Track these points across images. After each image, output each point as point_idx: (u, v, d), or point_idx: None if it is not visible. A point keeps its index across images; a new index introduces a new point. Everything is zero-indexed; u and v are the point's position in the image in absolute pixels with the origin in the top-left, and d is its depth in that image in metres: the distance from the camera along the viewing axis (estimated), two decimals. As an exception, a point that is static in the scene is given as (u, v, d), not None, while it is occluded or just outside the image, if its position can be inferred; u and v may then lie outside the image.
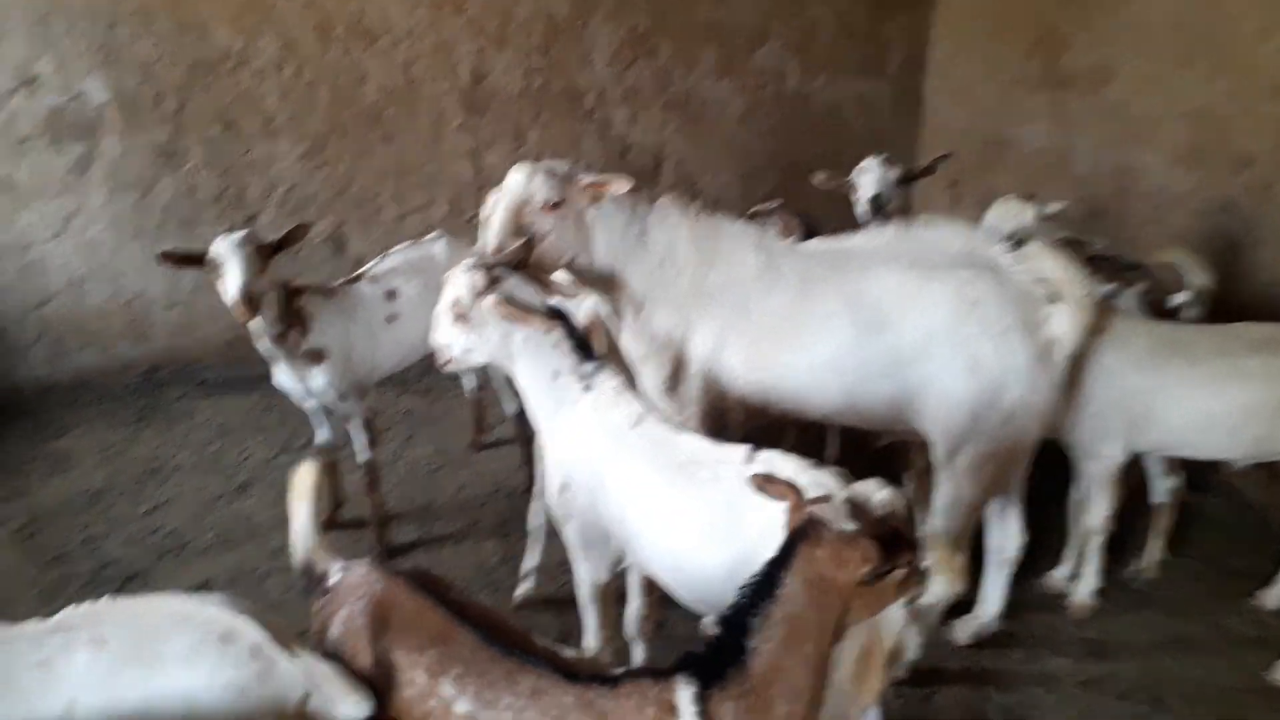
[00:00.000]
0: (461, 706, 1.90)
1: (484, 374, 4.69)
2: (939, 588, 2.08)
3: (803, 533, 1.89)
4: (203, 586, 3.95)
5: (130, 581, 4.04)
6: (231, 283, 3.53)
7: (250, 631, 2.03)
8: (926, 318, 3.04)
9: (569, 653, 2.04)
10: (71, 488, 4.75)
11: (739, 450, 2.52)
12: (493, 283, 2.78)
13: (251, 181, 5.63)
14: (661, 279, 3.22)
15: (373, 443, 4.11)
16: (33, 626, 2.05)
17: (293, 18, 5.36)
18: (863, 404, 3.17)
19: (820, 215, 4.52)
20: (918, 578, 1.95)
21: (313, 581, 2.28)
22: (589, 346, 2.84)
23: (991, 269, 3.08)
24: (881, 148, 6.33)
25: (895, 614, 2.12)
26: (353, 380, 3.98)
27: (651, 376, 3.34)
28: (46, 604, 2.80)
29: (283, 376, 3.92)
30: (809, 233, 4.16)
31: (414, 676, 1.96)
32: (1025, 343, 2.98)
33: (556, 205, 3.06)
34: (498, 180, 5.65)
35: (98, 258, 5.54)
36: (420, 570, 2.23)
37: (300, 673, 2.02)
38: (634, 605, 3.16)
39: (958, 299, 3.02)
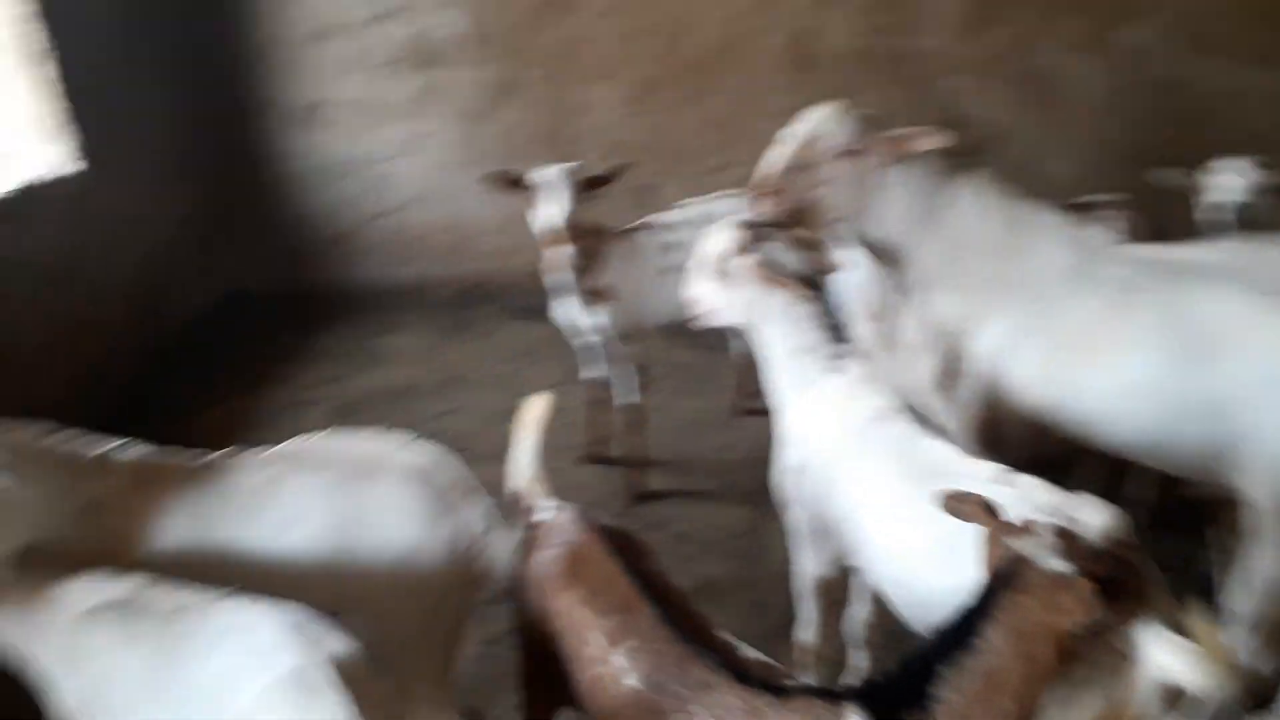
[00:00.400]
0: (630, 680, 1.83)
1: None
2: (1199, 678, 1.70)
3: (1008, 576, 1.63)
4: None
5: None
6: (555, 210, 3.69)
7: (446, 472, 2.45)
8: (1268, 354, 2.53)
9: (749, 651, 1.90)
10: (381, 382, 5.26)
11: (991, 467, 2.23)
12: (754, 242, 2.65)
13: (576, 122, 5.84)
14: (954, 262, 2.90)
15: (642, 386, 4.15)
16: (261, 452, 2.44)
17: (633, -38, 5.46)
18: (1167, 444, 2.70)
19: (1173, 219, 3.92)
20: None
21: (518, 513, 2.32)
22: (841, 328, 2.64)
23: None
24: (1270, 153, 5.50)
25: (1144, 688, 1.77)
26: (629, 323, 4.03)
27: (925, 370, 3.06)
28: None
29: (565, 310, 4.04)
30: (1156, 238, 3.60)
31: (591, 637, 1.91)
32: None
33: (853, 154, 2.82)
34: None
35: (433, 179, 6.02)
36: (623, 531, 2.17)
37: (480, 517, 2.39)
38: (859, 607, 2.95)
39: None
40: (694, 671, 1.77)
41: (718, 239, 2.67)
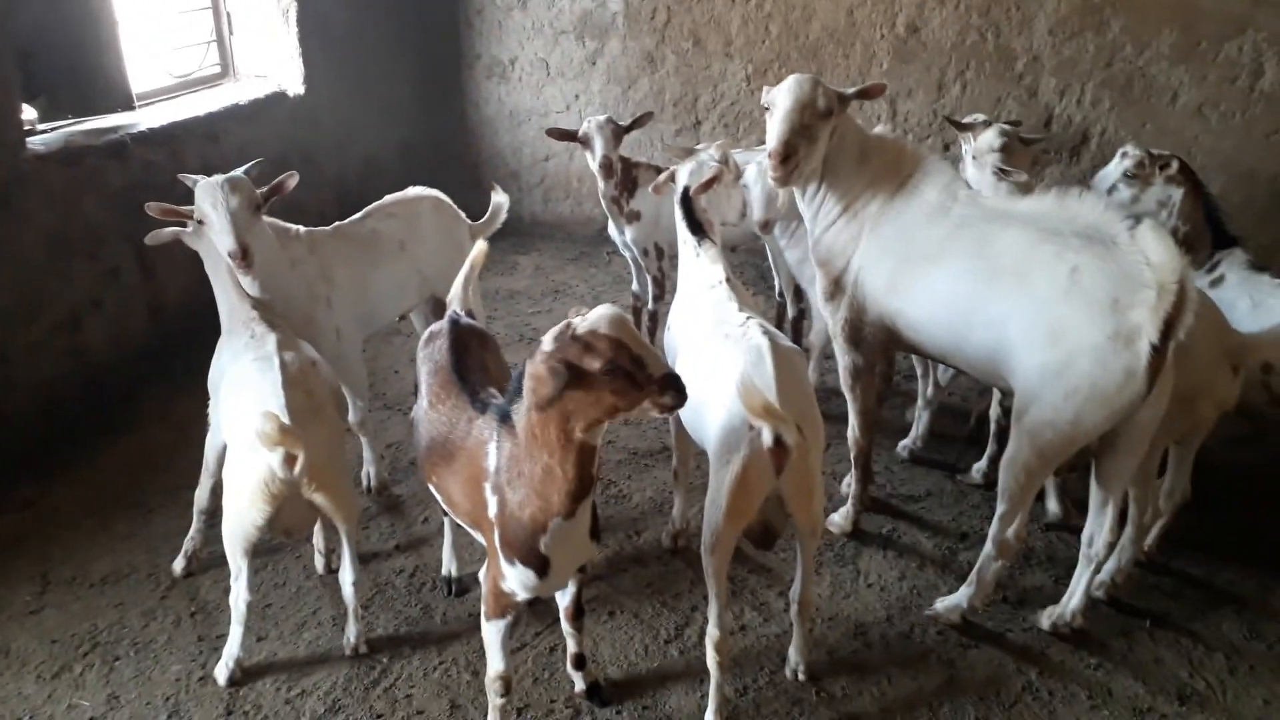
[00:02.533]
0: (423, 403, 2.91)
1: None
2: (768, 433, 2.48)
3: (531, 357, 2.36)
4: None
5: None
6: (597, 151, 4.76)
7: None
8: (1025, 277, 3.12)
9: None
10: (501, 286, 6.59)
11: (742, 318, 3.04)
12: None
13: (704, 93, 6.80)
14: (860, 197, 3.61)
15: (658, 298, 5.10)
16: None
17: (764, -43, 6.32)
18: (968, 349, 3.34)
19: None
20: (642, 388, 2.23)
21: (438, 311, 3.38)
22: (698, 225, 3.50)
23: (1106, 242, 3.02)
24: None
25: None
26: (654, 239, 5.00)
27: (820, 281, 3.80)
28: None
29: (612, 229, 5.10)
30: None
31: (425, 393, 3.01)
32: (1108, 319, 2.91)
33: (828, 114, 3.49)
34: (909, 126, 6.14)
35: (588, 131, 7.20)
36: (470, 327, 3.15)
37: None
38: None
39: (1057, 262, 3.05)
40: (456, 399, 2.79)
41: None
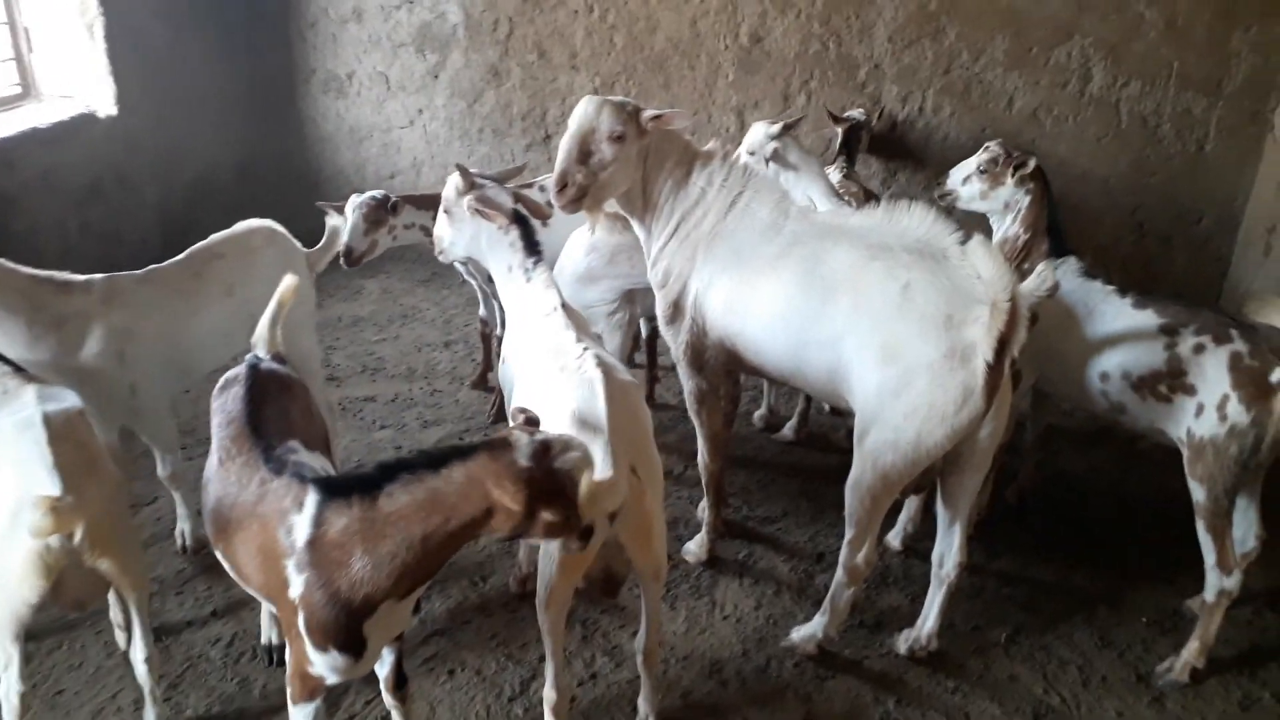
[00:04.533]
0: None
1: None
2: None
3: (496, 444, 2.15)
4: (369, 400, 5.09)
5: (331, 381, 5.29)
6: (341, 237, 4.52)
7: None
8: (858, 294, 3.03)
9: (306, 456, 2.55)
10: (345, 311, 6.23)
11: (579, 349, 2.84)
12: (471, 186, 3.33)
13: (552, 107, 6.60)
14: (690, 217, 3.47)
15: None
16: None
17: (606, -33, 6.16)
18: (807, 369, 3.25)
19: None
20: (569, 533, 2.14)
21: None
22: (537, 246, 3.29)
23: (936, 257, 2.96)
24: (1198, 177, 5.67)
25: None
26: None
27: (659, 305, 3.64)
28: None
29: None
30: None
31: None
32: (943, 337, 2.84)
33: (620, 138, 3.35)
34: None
35: (433, 148, 6.91)
36: (273, 372, 2.86)
37: None
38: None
39: (888, 279, 2.98)
40: (248, 457, 2.49)
41: (447, 185, 3.38)
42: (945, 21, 5.86)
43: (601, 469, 2.39)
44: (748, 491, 4.44)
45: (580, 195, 3.37)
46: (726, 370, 3.58)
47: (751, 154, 4.51)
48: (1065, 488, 4.54)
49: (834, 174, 5.26)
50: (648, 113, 3.41)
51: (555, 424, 2.68)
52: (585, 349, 2.82)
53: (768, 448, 4.81)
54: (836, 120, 5.67)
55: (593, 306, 4.29)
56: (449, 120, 6.82)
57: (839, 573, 3.30)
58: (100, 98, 5.86)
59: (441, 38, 6.61)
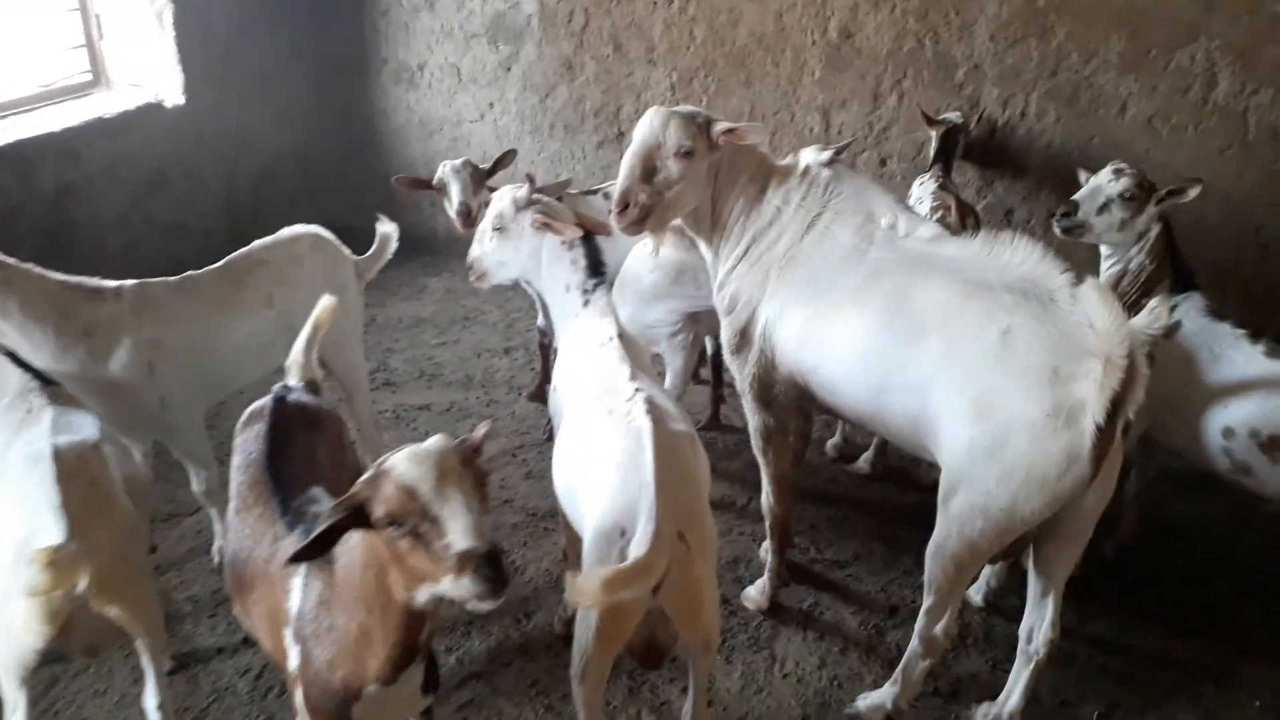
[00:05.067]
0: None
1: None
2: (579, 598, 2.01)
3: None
4: (423, 409, 4.90)
5: (387, 387, 5.12)
6: (454, 197, 4.34)
7: None
8: (950, 337, 2.68)
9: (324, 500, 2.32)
10: (406, 312, 6.10)
11: (630, 387, 2.57)
12: (533, 201, 3.07)
13: (626, 102, 6.30)
14: (762, 239, 3.18)
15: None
16: None
17: (689, -44, 5.83)
18: (888, 414, 2.90)
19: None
20: (425, 563, 1.77)
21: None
22: (601, 267, 3.02)
23: (1043, 299, 2.59)
24: None
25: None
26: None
27: (724, 332, 3.35)
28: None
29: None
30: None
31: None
32: (1046, 393, 2.48)
33: (688, 153, 3.08)
34: (844, 139, 5.74)
35: (504, 143, 6.66)
36: (300, 405, 2.64)
37: None
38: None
39: (987, 323, 2.62)
40: (265, 508, 2.27)
41: (502, 199, 3.11)
42: (1054, 19, 5.38)
43: (640, 541, 2.12)
44: (816, 530, 4.11)
45: (644, 216, 3.11)
46: (798, 407, 3.26)
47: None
48: (1172, 541, 4.09)
49: (929, 183, 4.87)
50: (720, 125, 3.11)
51: (599, 474, 2.42)
52: (637, 390, 2.55)
53: (841, 481, 4.46)
54: (931, 122, 5.26)
55: (655, 326, 4.01)
56: (520, 115, 6.58)
57: (914, 642, 2.96)
58: (168, 87, 5.78)
59: (515, 29, 6.36)
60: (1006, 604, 3.59)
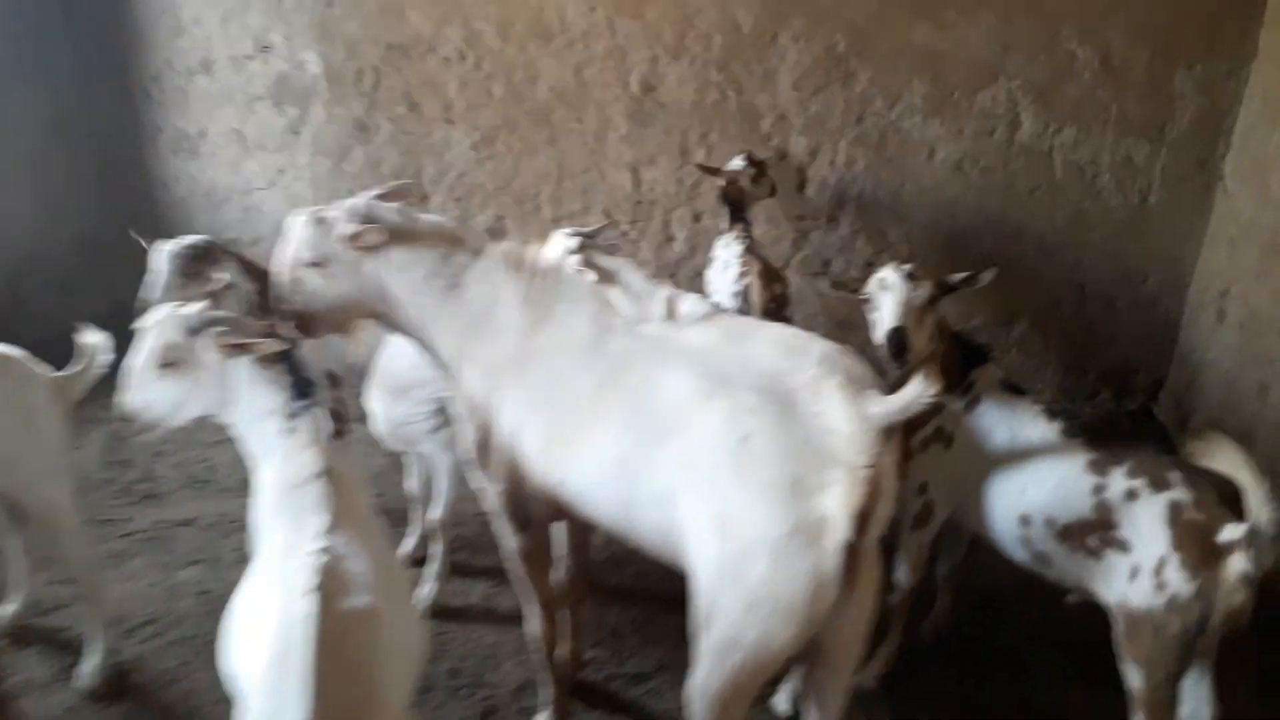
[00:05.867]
0: None
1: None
2: None
3: None
4: (185, 525, 4.32)
5: (149, 500, 4.53)
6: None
7: None
8: (692, 443, 2.33)
9: None
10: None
11: (315, 544, 2.12)
12: (208, 322, 2.57)
13: (428, 163, 5.88)
14: (477, 338, 2.76)
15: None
16: None
17: (477, 10, 5.45)
18: (641, 529, 2.53)
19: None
20: None
21: None
22: (308, 386, 2.56)
23: (787, 400, 2.26)
24: (1143, 231, 5.07)
25: None
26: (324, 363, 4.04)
27: (468, 442, 2.93)
28: None
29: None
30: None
31: None
32: (788, 508, 2.16)
33: (316, 264, 2.71)
34: (655, 196, 5.46)
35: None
36: None
37: None
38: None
39: (728, 427, 2.28)
40: None
41: (164, 327, 2.52)
42: (855, 65, 5.21)
43: None
44: (617, 637, 3.71)
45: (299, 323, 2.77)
46: (554, 518, 2.86)
47: None
48: (992, 613, 3.84)
49: (733, 244, 4.55)
50: (344, 229, 2.69)
51: (250, 671, 1.96)
52: (319, 552, 2.09)
53: (651, 573, 4.07)
54: (707, 172, 4.98)
55: (408, 423, 3.57)
56: (314, 180, 6.07)
57: None
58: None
59: (300, 90, 5.88)
60: None
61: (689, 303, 2.74)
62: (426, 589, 3.79)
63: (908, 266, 3.16)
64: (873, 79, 5.23)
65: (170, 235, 6.27)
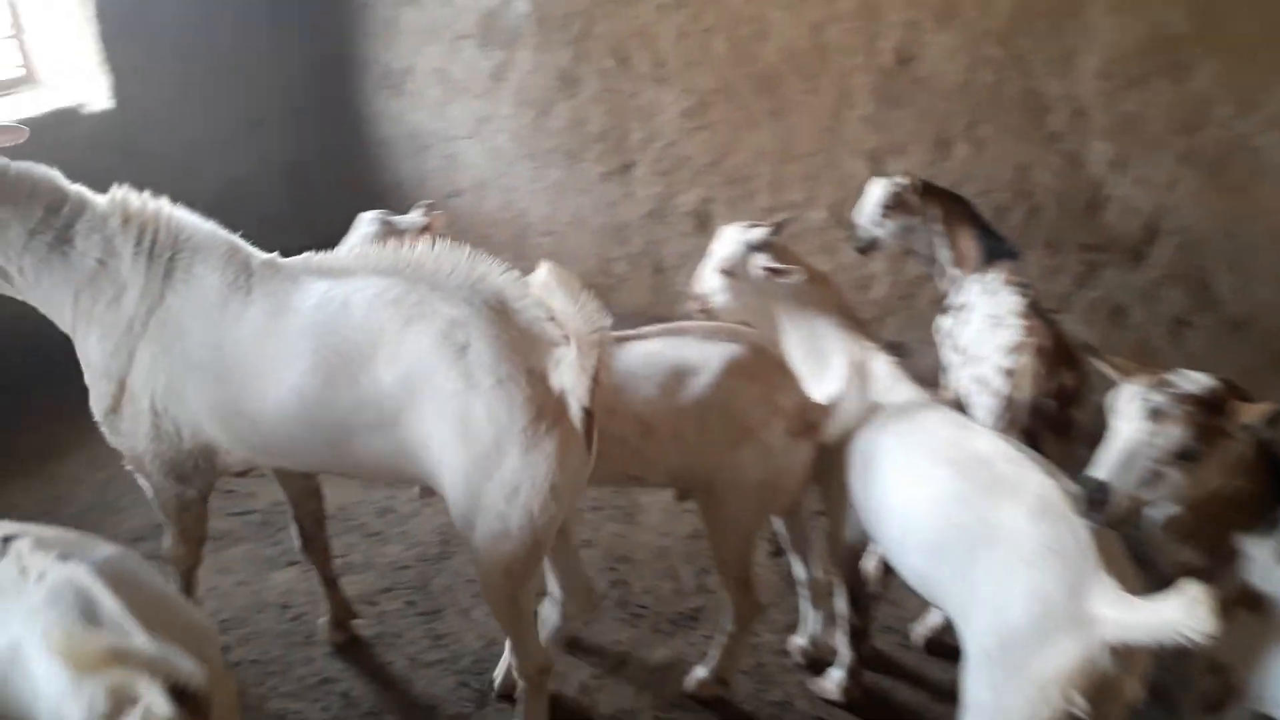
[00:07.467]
0: None
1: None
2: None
3: None
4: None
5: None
6: None
7: None
8: (405, 369, 2.42)
9: None
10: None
11: None
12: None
13: (634, 128, 5.08)
14: (93, 298, 2.62)
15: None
16: None
17: (703, -54, 4.53)
18: (359, 458, 2.59)
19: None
20: None
21: None
22: None
23: (494, 306, 2.42)
24: None
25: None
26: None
27: (94, 403, 2.75)
28: None
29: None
30: None
31: None
32: (529, 397, 2.35)
33: None
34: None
35: (497, 166, 5.60)
36: None
37: None
38: None
39: (441, 347, 2.38)
40: None
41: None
42: (1195, 53, 3.78)
43: None
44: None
45: None
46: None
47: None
48: None
49: (1004, 294, 2.93)
50: None
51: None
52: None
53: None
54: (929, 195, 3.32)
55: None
56: (515, 134, 5.46)
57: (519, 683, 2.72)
58: (91, 88, 4.98)
59: (507, 31, 5.23)
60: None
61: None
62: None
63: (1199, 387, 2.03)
64: (1218, 75, 3.77)
65: (373, 177, 6.00)
